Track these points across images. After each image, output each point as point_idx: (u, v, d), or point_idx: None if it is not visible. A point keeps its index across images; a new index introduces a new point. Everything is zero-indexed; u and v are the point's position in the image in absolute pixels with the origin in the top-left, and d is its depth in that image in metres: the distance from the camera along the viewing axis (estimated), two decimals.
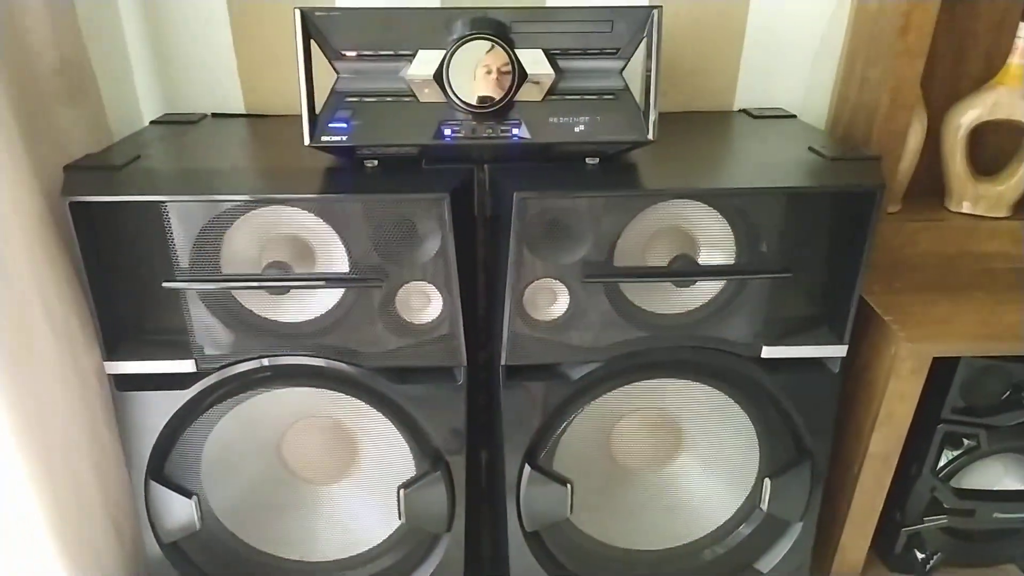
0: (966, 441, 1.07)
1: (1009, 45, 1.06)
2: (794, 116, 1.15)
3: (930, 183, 1.19)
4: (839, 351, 0.96)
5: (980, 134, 1.14)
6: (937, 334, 0.98)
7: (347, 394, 0.95)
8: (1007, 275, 1.12)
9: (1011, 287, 1.08)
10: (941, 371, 1.00)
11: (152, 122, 1.11)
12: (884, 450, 1.05)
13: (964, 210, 1.15)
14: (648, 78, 0.83)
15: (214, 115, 1.15)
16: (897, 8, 0.97)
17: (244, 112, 1.17)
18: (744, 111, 1.18)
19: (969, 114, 1.10)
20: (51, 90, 0.88)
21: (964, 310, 1.03)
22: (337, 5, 1.10)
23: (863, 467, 1.06)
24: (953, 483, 1.10)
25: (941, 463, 1.09)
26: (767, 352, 0.95)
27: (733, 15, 1.14)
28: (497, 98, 0.82)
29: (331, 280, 0.88)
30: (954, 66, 1.16)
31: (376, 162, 0.88)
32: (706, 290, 0.93)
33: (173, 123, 1.09)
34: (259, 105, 1.16)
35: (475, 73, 0.81)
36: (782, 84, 1.19)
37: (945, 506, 1.11)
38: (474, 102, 0.82)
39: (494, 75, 0.82)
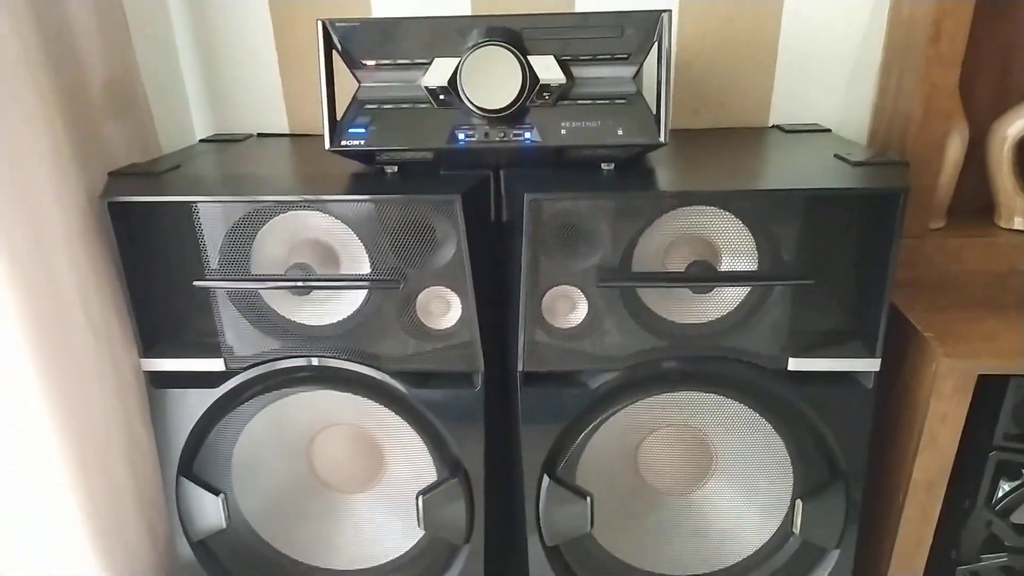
0: None
1: None
2: (829, 131, 1.12)
3: (980, 200, 1.14)
4: (872, 365, 0.92)
5: None
6: (981, 351, 0.93)
7: (369, 398, 0.97)
8: None
9: None
10: (991, 393, 0.94)
11: (201, 140, 1.18)
12: (928, 477, 0.98)
13: (1015, 226, 1.10)
14: (660, 81, 0.83)
15: (259, 135, 1.22)
16: (927, 16, 0.95)
17: (287, 132, 1.23)
18: (778, 127, 1.17)
19: (1016, 125, 1.05)
20: (99, 103, 0.94)
21: (1013, 328, 0.97)
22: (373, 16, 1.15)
23: (907, 496, 1.00)
24: (1014, 518, 1.02)
25: (998, 495, 1.01)
26: (794, 364, 0.92)
27: (765, 32, 1.14)
28: (509, 103, 0.84)
29: (350, 280, 0.90)
30: (1000, 78, 1.12)
31: (396, 168, 0.91)
32: (727, 299, 0.91)
33: (220, 141, 1.17)
34: (301, 125, 1.23)
35: (488, 79, 0.84)
36: (819, 100, 1.18)
37: (1005, 543, 1.03)
38: (487, 107, 0.84)
39: (506, 81, 0.84)
